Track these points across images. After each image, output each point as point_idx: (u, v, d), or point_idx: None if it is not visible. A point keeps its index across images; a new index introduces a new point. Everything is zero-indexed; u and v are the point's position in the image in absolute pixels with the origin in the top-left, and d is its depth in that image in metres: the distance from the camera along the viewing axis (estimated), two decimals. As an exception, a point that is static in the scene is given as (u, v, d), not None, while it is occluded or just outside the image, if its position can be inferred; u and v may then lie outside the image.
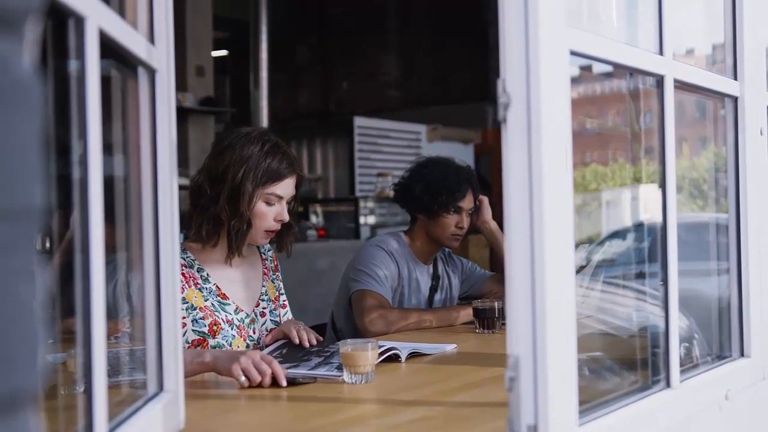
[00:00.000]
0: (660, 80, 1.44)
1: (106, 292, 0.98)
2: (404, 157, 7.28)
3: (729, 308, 1.76)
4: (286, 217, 2.15)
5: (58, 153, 0.91)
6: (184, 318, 2.03)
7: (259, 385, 1.74)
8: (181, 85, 6.60)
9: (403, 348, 2.07)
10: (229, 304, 2.13)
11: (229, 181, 2.05)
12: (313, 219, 7.14)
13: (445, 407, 1.62)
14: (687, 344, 1.63)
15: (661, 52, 1.44)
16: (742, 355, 1.73)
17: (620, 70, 1.51)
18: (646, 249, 1.75)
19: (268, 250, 2.32)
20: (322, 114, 9.55)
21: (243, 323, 2.14)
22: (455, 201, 2.77)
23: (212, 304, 2.10)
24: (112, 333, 1.16)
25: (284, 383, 1.75)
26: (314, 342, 2.08)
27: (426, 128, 7.99)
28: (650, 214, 1.72)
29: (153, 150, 1.29)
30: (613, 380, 1.57)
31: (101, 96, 0.96)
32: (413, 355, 2.09)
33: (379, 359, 1.91)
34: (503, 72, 1.10)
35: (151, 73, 1.28)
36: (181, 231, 1.66)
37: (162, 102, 1.30)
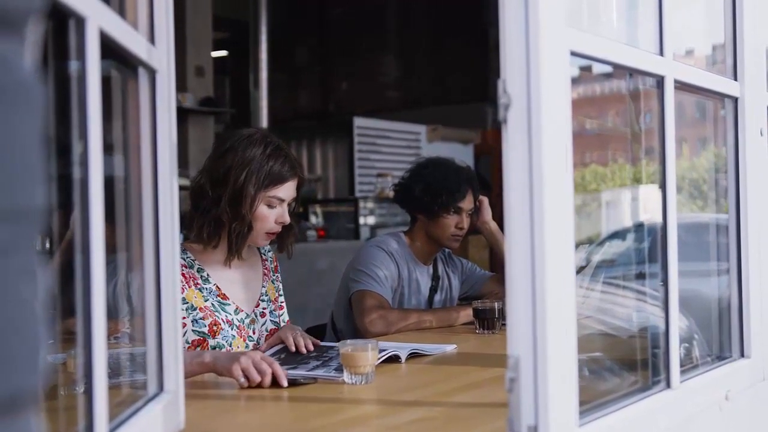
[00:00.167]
0: (660, 81, 1.44)
1: (106, 293, 0.98)
2: (404, 158, 7.28)
3: (729, 309, 1.76)
4: (288, 220, 2.15)
5: (58, 153, 0.91)
6: (184, 318, 2.03)
7: (259, 386, 1.74)
8: (180, 86, 6.60)
9: (403, 349, 2.07)
10: (229, 305, 2.13)
11: (231, 184, 2.05)
12: (313, 219, 7.14)
13: (446, 408, 1.62)
14: (687, 345, 1.63)
15: (661, 53, 1.44)
16: (742, 355, 1.73)
17: (620, 70, 1.51)
18: (646, 249, 1.75)
19: (268, 251, 2.32)
20: (321, 114, 9.56)
21: (243, 323, 2.14)
22: (455, 201, 2.77)
23: (212, 304, 2.10)
24: (112, 333, 1.16)
25: (285, 383, 1.75)
26: (311, 348, 2.07)
27: (426, 129, 7.99)
28: (650, 215, 1.72)
29: (153, 150, 1.29)
30: (613, 381, 1.57)
31: (102, 96, 0.96)
32: (413, 356, 2.09)
33: (379, 360, 1.91)
34: (503, 72, 1.10)
35: (152, 73, 1.28)
36: (180, 231, 1.66)
37: (162, 102, 1.30)
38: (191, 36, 6.82)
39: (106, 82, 1.05)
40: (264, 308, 2.22)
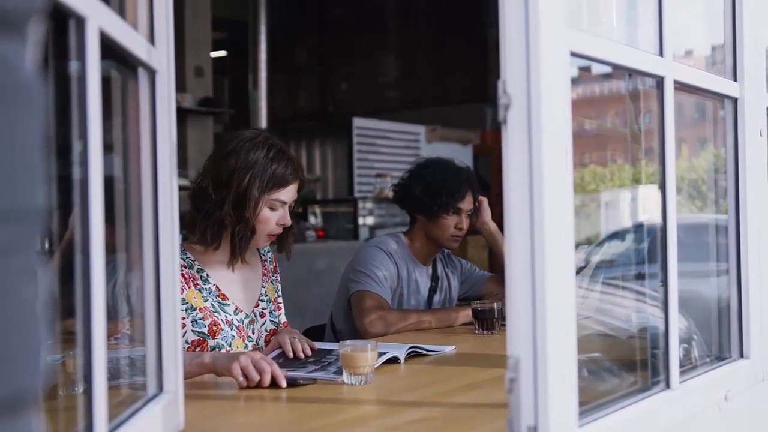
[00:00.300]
0: (660, 81, 1.45)
1: (106, 293, 0.98)
2: (403, 158, 7.29)
3: (728, 309, 1.76)
4: (289, 222, 2.15)
5: (58, 153, 0.91)
6: (183, 319, 2.03)
7: (259, 386, 1.74)
8: (180, 86, 6.59)
9: (402, 349, 2.07)
10: (229, 305, 2.13)
11: (234, 187, 2.05)
12: (312, 220, 7.14)
13: (445, 408, 1.62)
14: (686, 345, 1.63)
15: (661, 53, 1.44)
16: (741, 356, 1.73)
17: (619, 70, 1.51)
18: (646, 250, 1.75)
19: (268, 252, 2.32)
20: (321, 115, 9.56)
21: (242, 324, 2.14)
22: (455, 202, 2.77)
23: (212, 304, 2.10)
24: (111, 334, 1.16)
25: (284, 384, 1.75)
26: (308, 352, 2.05)
27: (425, 129, 7.99)
28: (649, 215, 1.72)
29: (153, 150, 1.29)
30: (612, 381, 1.57)
31: (102, 96, 0.96)
32: (413, 356, 2.09)
33: (378, 363, 1.90)
34: (503, 73, 1.10)
35: (152, 73, 1.28)
36: (180, 232, 1.66)
37: (162, 103, 1.30)
38: (190, 36, 6.83)
39: (106, 83, 1.05)
40: (263, 308, 2.22)
